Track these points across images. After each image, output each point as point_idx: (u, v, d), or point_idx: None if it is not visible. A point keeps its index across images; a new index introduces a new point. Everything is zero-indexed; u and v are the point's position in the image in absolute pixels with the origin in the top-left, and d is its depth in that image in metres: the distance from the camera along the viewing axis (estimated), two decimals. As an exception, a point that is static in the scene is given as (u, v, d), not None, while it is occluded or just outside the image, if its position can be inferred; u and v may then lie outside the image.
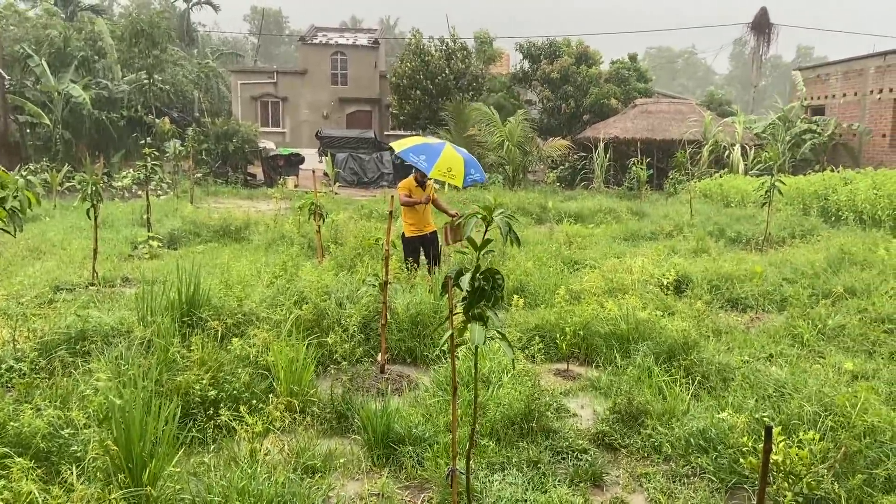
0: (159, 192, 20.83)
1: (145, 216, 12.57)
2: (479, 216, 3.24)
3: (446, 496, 4.03)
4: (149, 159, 12.39)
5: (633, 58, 31.41)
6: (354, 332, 6.48)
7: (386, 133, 35.31)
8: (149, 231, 12.12)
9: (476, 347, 3.24)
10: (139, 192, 20.38)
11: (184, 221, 13.90)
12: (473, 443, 3.61)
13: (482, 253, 3.29)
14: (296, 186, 24.66)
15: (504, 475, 4.34)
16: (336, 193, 20.63)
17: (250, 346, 5.73)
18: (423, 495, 4.26)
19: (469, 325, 3.17)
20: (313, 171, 11.12)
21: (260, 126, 31.43)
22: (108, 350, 5.65)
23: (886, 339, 6.86)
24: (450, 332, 3.22)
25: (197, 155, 23.37)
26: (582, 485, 4.32)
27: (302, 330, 6.26)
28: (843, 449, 4.15)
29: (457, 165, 8.09)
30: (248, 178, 26.51)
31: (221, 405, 4.92)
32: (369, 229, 11.70)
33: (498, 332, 3.20)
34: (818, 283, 9.03)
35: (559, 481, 4.33)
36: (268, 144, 27.72)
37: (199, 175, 22.64)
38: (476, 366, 3.38)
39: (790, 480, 3.95)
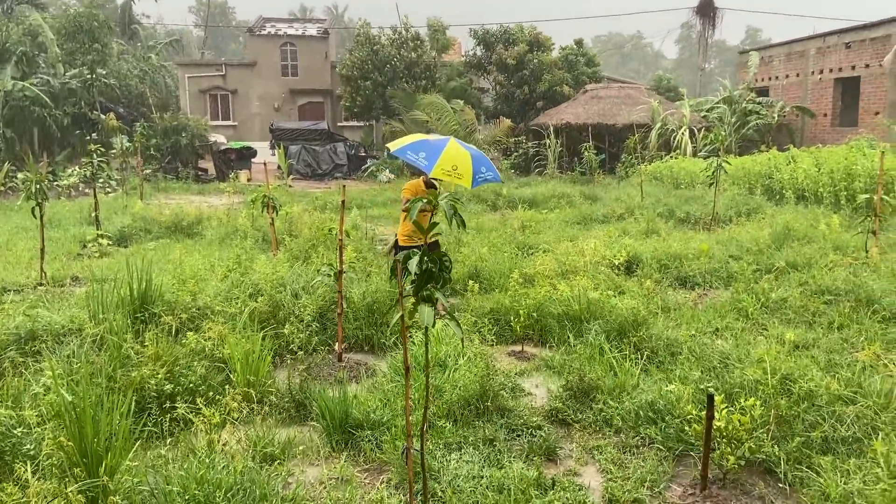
0: (108, 189, 20.36)
1: (93, 214, 12.32)
2: (424, 200, 3.31)
3: (405, 476, 4.11)
4: (95, 156, 12.10)
5: (579, 43, 31.74)
6: (310, 322, 6.50)
7: (339, 124, 35.07)
8: (98, 229, 11.89)
9: (426, 328, 3.32)
10: (86, 191, 19.90)
11: (134, 218, 13.65)
12: (426, 420, 3.69)
13: (430, 236, 3.37)
14: (249, 180, 24.35)
15: (461, 454, 4.45)
16: (290, 186, 20.45)
17: (205, 340, 5.72)
18: (382, 476, 4.34)
19: (419, 307, 3.24)
20: (264, 164, 11.03)
21: (210, 120, 30.92)
22: (59, 349, 5.58)
23: (825, 309, 7.15)
24: (400, 313, 3.30)
25: (145, 151, 22.88)
26: (536, 459, 4.45)
27: (257, 322, 6.27)
28: (773, 412, 4.36)
29: (463, 163, 6.90)
30: (199, 172, 26.05)
31: (178, 398, 4.92)
32: (324, 220, 11.66)
33: (447, 312, 3.28)
34: (762, 258, 9.36)
35: (514, 457, 4.45)
36: (218, 138, 27.31)
37: (147, 171, 22.19)
38: (427, 346, 3.47)
39: (733, 445, 4.14)
